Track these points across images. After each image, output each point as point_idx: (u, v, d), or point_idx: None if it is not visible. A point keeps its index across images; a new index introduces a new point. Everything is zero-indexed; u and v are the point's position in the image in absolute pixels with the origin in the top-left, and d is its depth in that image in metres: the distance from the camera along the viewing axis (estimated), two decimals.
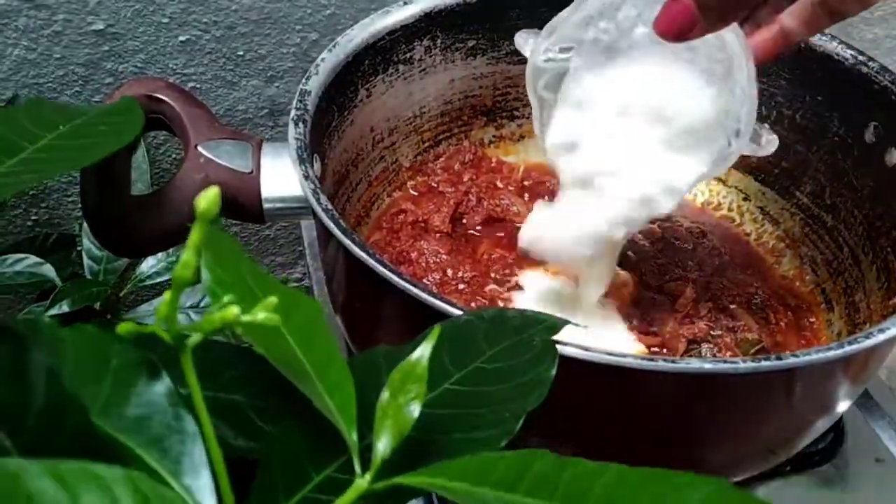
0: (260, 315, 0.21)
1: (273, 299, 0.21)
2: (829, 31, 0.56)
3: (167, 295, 0.21)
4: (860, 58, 0.54)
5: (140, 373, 0.22)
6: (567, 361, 0.35)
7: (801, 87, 0.57)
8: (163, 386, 0.22)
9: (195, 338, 0.21)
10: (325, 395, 0.24)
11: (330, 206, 0.42)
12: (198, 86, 0.71)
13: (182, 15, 0.67)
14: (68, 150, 0.37)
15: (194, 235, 0.20)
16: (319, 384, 0.24)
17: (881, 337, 0.38)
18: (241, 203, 0.47)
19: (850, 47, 0.54)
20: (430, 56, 0.60)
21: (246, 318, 0.21)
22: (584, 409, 0.40)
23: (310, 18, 0.70)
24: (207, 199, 0.20)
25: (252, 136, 0.50)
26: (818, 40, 0.55)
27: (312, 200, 0.42)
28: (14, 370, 0.19)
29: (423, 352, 0.25)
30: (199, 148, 0.47)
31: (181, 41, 0.68)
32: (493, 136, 0.66)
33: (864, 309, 0.53)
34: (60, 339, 0.23)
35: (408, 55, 0.58)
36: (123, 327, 0.21)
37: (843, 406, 0.45)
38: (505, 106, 0.65)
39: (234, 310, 0.20)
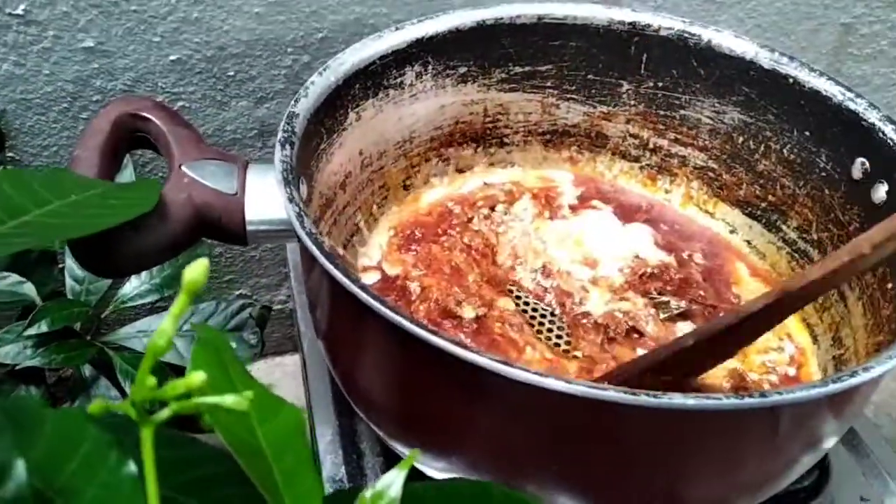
0: (228, 398, 0.20)
1: (249, 393, 0.20)
2: (818, 68, 0.56)
3: (143, 363, 0.20)
4: (849, 94, 0.54)
5: (107, 457, 0.21)
6: (545, 393, 0.35)
7: (789, 121, 0.58)
8: (127, 470, 0.21)
9: (162, 414, 0.20)
10: None
11: (314, 230, 0.41)
12: (187, 105, 0.71)
13: (173, 34, 0.67)
14: (70, 217, 0.37)
15: (176, 307, 0.19)
16: (286, 495, 0.23)
17: (866, 375, 0.38)
18: (224, 224, 0.47)
19: (839, 83, 0.55)
20: (421, 81, 0.59)
21: (213, 399, 0.20)
22: (563, 441, 0.40)
23: (302, 41, 0.70)
24: (195, 270, 0.19)
25: (238, 156, 0.49)
26: (807, 76, 0.56)
27: (296, 223, 0.42)
28: None
29: (394, 477, 0.24)
30: (184, 168, 0.47)
31: (171, 60, 0.68)
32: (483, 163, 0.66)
33: (850, 345, 0.53)
34: (42, 418, 0.22)
35: (398, 80, 0.58)
36: (94, 408, 0.20)
37: (828, 443, 0.45)
38: (495, 133, 0.65)
39: (200, 375, 0.19)
